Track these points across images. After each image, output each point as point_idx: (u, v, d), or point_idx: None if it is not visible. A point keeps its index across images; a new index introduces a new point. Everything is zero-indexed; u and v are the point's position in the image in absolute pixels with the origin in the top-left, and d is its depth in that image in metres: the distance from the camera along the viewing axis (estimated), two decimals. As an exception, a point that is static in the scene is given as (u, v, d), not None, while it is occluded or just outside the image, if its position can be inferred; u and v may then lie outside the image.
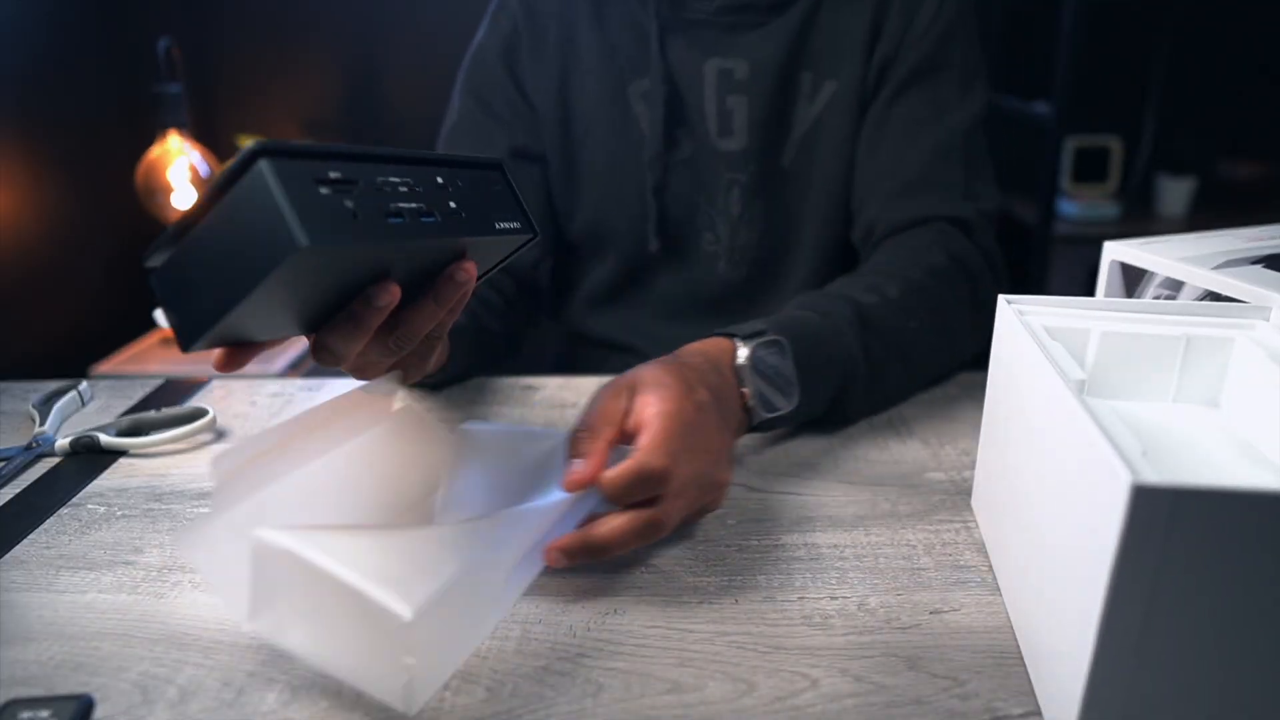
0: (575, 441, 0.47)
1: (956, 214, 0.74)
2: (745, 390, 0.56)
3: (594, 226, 0.84)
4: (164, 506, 0.56)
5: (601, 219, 0.84)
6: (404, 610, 0.34)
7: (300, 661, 0.41)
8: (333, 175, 0.36)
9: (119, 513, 0.56)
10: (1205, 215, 2.21)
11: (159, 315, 1.74)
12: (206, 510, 0.50)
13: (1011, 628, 0.43)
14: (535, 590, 0.47)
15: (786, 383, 0.58)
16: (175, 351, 1.82)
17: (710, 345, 0.57)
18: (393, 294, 0.41)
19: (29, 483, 0.60)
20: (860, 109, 0.78)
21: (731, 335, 0.58)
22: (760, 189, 0.81)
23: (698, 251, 0.83)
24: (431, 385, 0.72)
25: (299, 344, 1.87)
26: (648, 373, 0.50)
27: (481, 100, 0.82)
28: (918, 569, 0.49)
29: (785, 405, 0.58)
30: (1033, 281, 2.00)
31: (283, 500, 0.40)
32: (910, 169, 0.76)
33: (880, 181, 0.77)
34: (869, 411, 0.66)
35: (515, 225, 0.46)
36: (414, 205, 0.40)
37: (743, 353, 0.57)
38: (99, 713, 0.39)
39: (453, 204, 0.42)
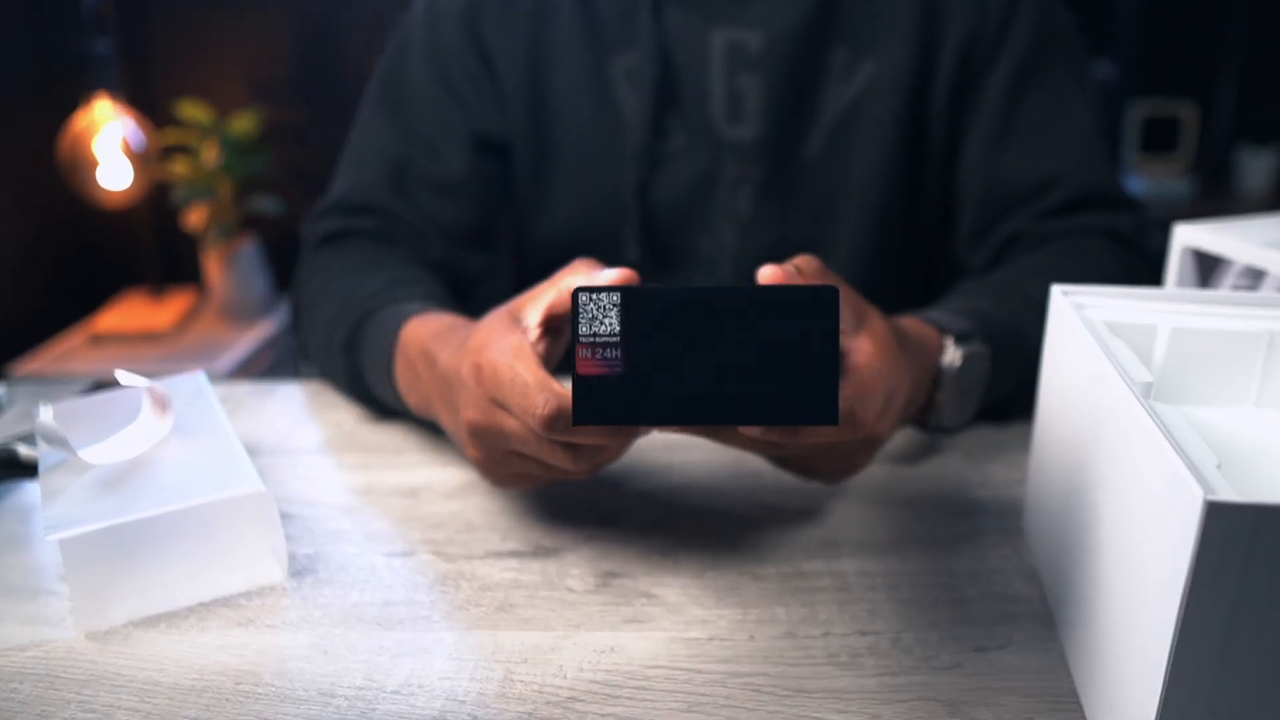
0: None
1: (1117, 228, 0.75)
2: (939, 395, 0.61)
3: (566, 228, 0.83)
4: (93, 528, 0.56)
5: (574, 220, 0.83)
6: None
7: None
8: None
9: (42, 534, 0.56)
10: (1292, 193, 2.21)
11: None
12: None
13: (1067, 667, 0.44)
14: (519, 624, 0.47)
15: (971, 396, 0.63)
16: (104, 350, 1.82)
17: (921, 332, 0.60)
18: None
19: (-63, 501, 0.60)
20: (911, 96, 0.77)
21: (942, 329, 0.61)
22: (778, 185, 0.79)
23: (694, 259, 0.82)
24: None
25: (249, 339, 1.87)
26: (877, 335, 0.50)
27: (439, 70, 0.79)
28: (960, 600, 0.49)
29: (957, 420, 0.63)
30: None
31: None
32: (1055, 175, 0.76)
33: (1017, 193, 0.77)
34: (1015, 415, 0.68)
35: None
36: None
37: (952, 355, 0.61)
38: (19, 765, 0.39)
39: None
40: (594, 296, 0.39)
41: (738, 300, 0.39)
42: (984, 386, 0.63)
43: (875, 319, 0.51)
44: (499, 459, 0.50)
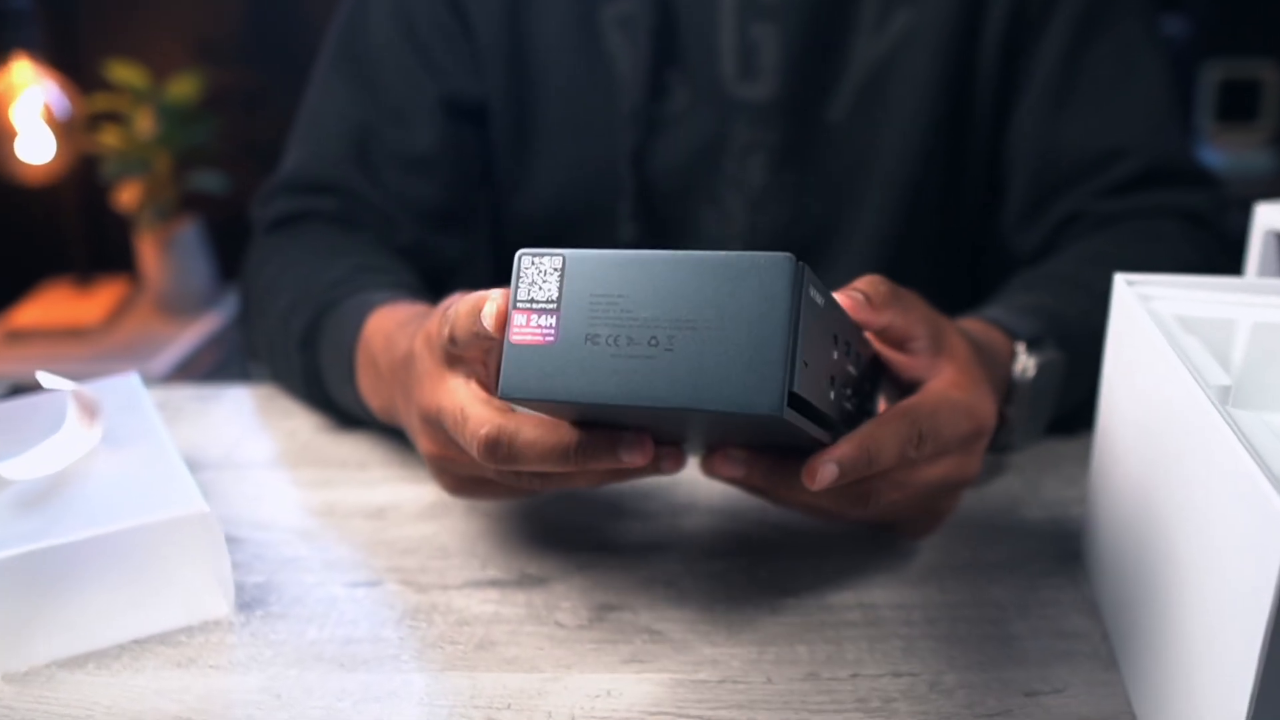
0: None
1: (1192, 208, 0.75)
2: (1007, 411, 0.60)
3: (552, 203, 0.83)
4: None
5: (562, 193, 0.83)
6: None
7: None
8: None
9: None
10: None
11: None
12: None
13: (1133, 714, 0.44)
14: (502, 664, 0.47)
15: (1042, 410, 0.63)
16: (23, 349, 1.82)
17: (989, 338, 0.59)
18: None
19: None
20: (953, 51, 0.77)
21: (1011, 334, 0.61)
22: (796, 152, 0.80)
23: (697, 236, 0.82)
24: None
25: (190, 336, 1.87)
26: (959, 364, 0.50)
27: (405, 24, 0.79)
28: (1009, 637, 0.49)
29: (1028, 438, 0.63)
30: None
31: None
32: (1121, 145, 0.76)
33: (1077, 165, 0.77)
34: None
35: None
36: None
37: (1024, 363, 0.60)
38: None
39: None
40: (536, 261, 0.41)
41: (687, 266, 0.39)
42: (1057, 398, 0.63)
43: (955, 339, 0.50)
44: (449, 453, 0.49)
